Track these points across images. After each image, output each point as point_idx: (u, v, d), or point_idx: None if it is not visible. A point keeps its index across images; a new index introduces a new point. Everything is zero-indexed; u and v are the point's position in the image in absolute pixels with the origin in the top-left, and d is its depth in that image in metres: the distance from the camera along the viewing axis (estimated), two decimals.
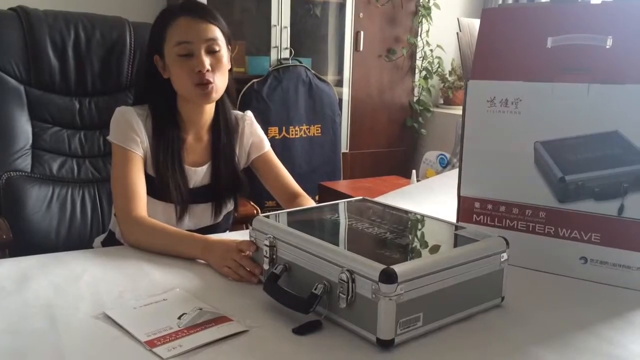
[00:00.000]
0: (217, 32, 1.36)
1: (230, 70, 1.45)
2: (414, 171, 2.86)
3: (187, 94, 1.38)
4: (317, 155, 3.49)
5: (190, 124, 1.44)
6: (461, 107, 1.11)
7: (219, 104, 1.46)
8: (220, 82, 1.37)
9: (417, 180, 2.76)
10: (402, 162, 4.05)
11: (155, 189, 1.38)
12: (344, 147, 3.79)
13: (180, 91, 1.39)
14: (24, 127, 1.64)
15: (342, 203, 1.21)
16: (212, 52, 1.35)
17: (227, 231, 1.58)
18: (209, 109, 1.45)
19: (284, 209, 1.38)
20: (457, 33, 1.15)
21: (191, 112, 1.43)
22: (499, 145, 1.19)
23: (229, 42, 1.42)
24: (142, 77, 1.64)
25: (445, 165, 2.85)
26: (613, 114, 1.07)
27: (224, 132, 1.47)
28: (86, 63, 1.72)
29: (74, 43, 1.70)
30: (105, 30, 1.75)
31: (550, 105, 1.13)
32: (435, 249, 1.00)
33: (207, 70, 1.33)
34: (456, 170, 1.30)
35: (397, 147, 4.11)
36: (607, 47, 1.08)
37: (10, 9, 1.68)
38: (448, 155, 2.88)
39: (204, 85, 1.34)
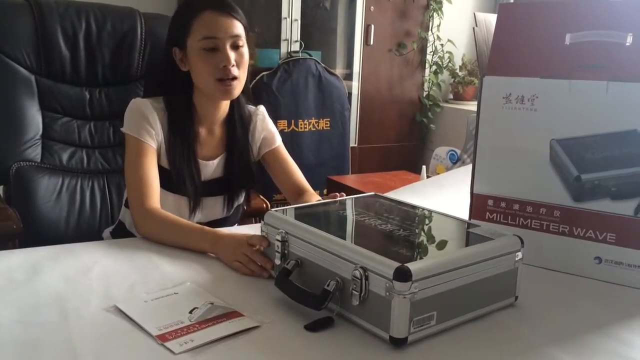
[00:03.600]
0: (240, 28, 1.36)
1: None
2: (424, 167, 2.84)
3: (208, 89, 1.37)
4: (325, 149, 3.47)
5: (205, 117, 1.44)
6: (471, 103, 1.10)
7: (234, 99, 1.46)
8: (243, 77, 1.38)
9: (427, 176, 2.75)
10: (410, 157, 4.04)
11: (168, 181, 1.38)
12: (353, 141, 3.78)
13: (202, 86, 1.38)
14: (35, 117, 1.64)
15: (353, 199, 1.20)
16: (236, 47, 1.35)
17: (236, 224, 1.58)
18: (224, 104, 1.45)
19: (292, 204, 1.38)
20: (474, 28, 1.13)
21: (207, 106, 1.43)
22: (514, 142, 1.17)
23: (247, 36, 1.42)
24: (156, 69, 1.63)
25: (455, 161, 2.83)
26: (632, 112, 1.05)
27: (239, 126, 1.47)
28: (97, 53, 1.71)
29: (85, 33, 1.70)
30: (116, 21, 1.74)
31: (567, 102, 1.11)
32: (449, 247, 0.99)
33: (233, 66, 1.33)
34: (467, 167, 1.29)
35: (406, 142, 4.09)
36: (627, 44, 1.06)
37: None
38: (458, 152, 2.86)
39: (227, 80, 1.34)
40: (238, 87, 1.37)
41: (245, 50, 1.38)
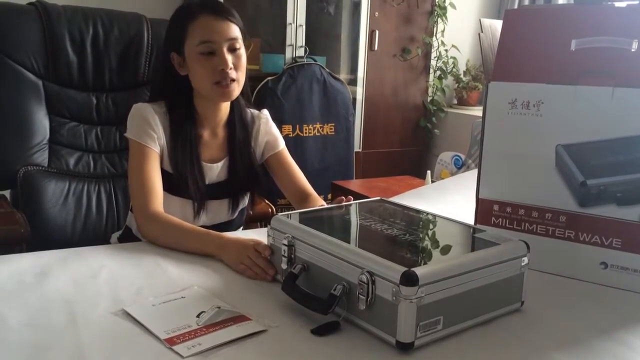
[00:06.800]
0: (237, 31, 1.38)
1: None
2: (428, 172, 2.85)
3: (207, 92, 1.38)
4: (330, 154, 3.48)
5: (206, 120, 1.45)
6: (475, 108, 1.10)
7: (234, 101, 1.47)
8: (241, 79, 1.40)
9: (432, 181, 2.75)
10: (415, 162, 4.04)
11: (172, 185, 1.39)
12: (357, 146, 3.78)
13: (200, 89, 1.39)
14: (42, 122, 1.65)
15: (360, 203, 1.21)
16: (233, 50, 1.37)
17: (241, 228, 1.58)
18: (225, 106, 1.46)
19: (296, 208, 1.38)
20: (479, 34, 1.13)
21: (207, 109, 1.44)
22: (520, 147, 1.18)
23: (244, 38, 1.43)
24: (158, 74, 1.65)
25: (460, 166, 2.84)
26: (638, 118, 1.06)
27: (239, 128, 1.48)
28: (104, 59, 1.73)
29: (92, 38, 1.71)
30: (123, 27, 1.75)
31: (572, 108, 1.11)
32: (455, 251, 0.99)
33: (230, 69, 1.34)
34: (472, 172, 1.29)
35: (410, 147, 4.09)
36: (633, 50, 1.07)
37: (30, 3, 1.69)
38: (463, 157, 2.86)
39: (225, 83, 1.35)
40: (237, 89, 1.39)
41: (242, 52, 1.39)
